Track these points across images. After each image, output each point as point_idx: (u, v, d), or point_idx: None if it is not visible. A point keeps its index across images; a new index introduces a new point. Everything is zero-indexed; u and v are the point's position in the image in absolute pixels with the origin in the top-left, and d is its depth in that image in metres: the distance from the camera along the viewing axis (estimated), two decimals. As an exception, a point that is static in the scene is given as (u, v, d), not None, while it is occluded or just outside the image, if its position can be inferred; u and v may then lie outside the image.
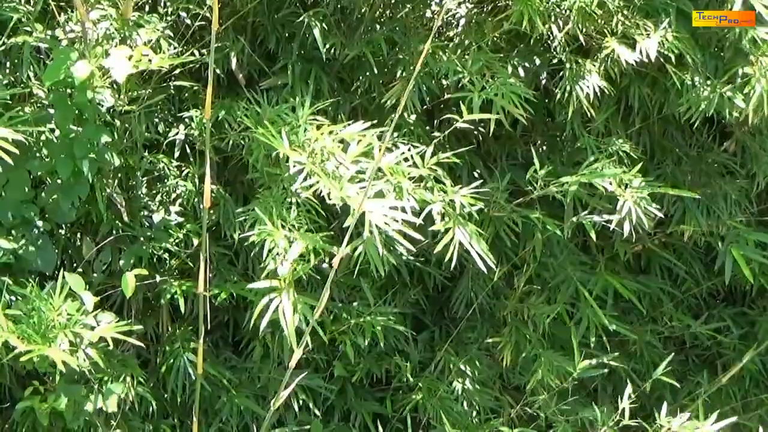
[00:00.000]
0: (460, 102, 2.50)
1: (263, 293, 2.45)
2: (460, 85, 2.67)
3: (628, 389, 2.64)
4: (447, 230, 2.36)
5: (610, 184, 2.64)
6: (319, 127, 2.43)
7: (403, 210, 2.21)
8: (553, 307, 3.01)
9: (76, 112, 2.37)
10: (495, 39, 2.87)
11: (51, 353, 1.97)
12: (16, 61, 2.52)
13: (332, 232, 2.47)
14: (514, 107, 2.62)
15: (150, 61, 2.23)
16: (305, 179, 2.29)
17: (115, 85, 2.49)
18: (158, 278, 2.68)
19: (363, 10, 2.88)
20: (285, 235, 2.28)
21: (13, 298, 2.24)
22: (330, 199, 2.22)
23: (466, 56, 2.74)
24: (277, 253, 2.24)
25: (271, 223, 2.30)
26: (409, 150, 2.40)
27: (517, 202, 2.81)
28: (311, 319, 2.18)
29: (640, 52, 2.72)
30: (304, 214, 2.37)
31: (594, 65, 2.82)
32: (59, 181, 2.44)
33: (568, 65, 2.82)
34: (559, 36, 2.78)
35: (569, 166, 3.06)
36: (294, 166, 2.30)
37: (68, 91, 2.37)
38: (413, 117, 2.84)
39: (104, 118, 2.51)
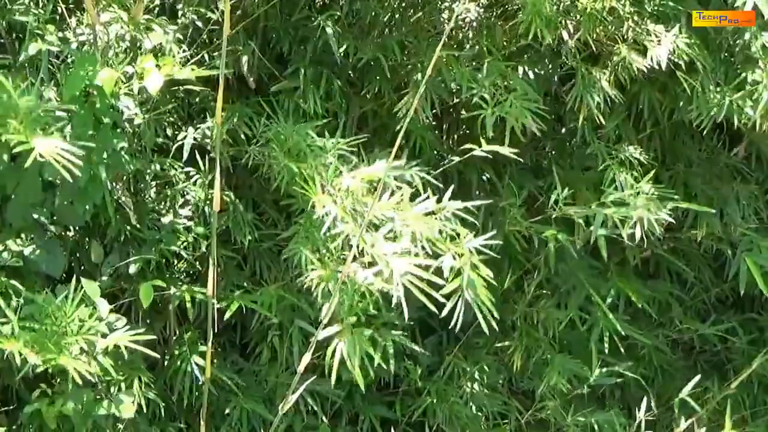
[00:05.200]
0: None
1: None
2: (473, 102, 2.65)
3: (645, 401, 2.63)
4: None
5: (623, 190, 2.62)
6: (347, 162, 2.37)
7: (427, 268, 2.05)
8: (566, 313, 2.99)
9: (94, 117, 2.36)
10: (505, 44, 2.85)
11: (64, 362, 1.96)
12: (30, 65, 2.51)
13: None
14: (530, 122, 2.61)
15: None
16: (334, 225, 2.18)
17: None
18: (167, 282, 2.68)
19: (374, 14, 2.86)
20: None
21: (21, 301, 2.23)
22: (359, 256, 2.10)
23: (478, 65, 2.72)
24: (329, 291, 2.16)
25: (318, 259, 2.23)
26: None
27: (533, 220, 2.79)
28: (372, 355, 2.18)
29: (651, 58, 2.71)
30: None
31: (605, 72, 2.80)
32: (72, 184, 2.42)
33: (578, 72, 2.80)
34: (570, 42, 2.76)
35: (579, 171, 3.05)
36: (324, 212, 2.20)
37: (85, 96, 2.35)
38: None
39: (121, 124, 2.50)
